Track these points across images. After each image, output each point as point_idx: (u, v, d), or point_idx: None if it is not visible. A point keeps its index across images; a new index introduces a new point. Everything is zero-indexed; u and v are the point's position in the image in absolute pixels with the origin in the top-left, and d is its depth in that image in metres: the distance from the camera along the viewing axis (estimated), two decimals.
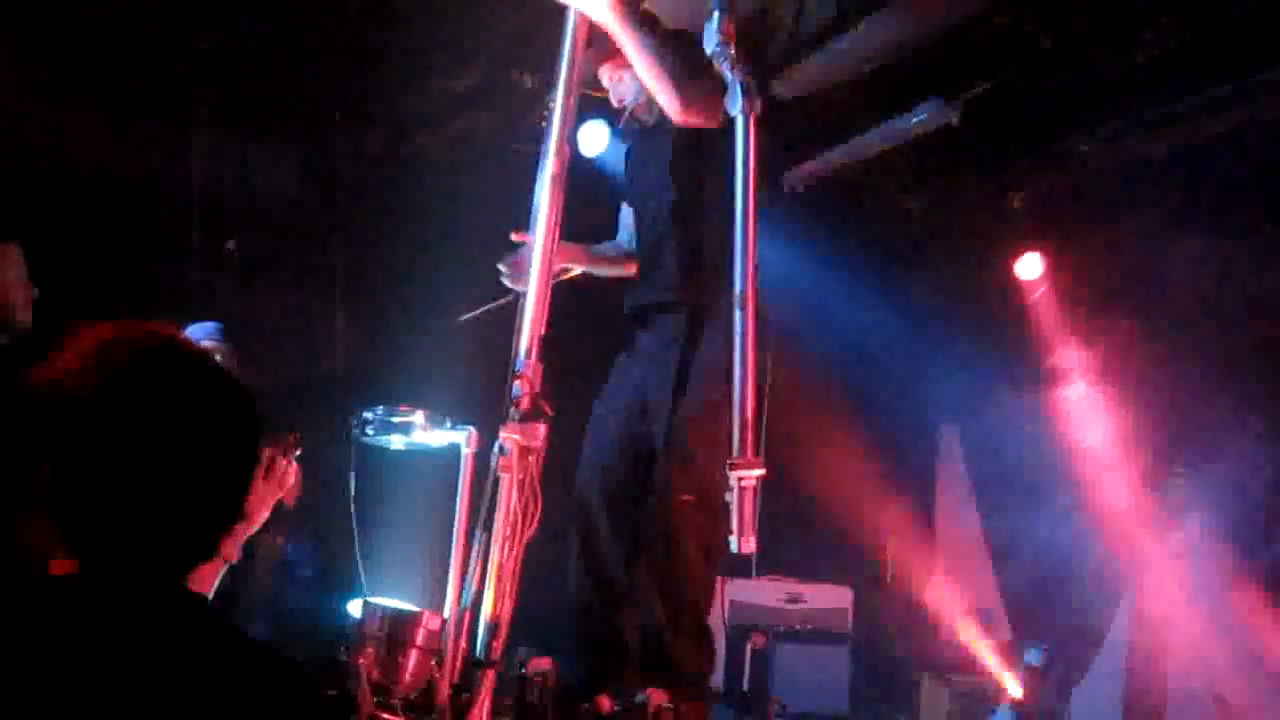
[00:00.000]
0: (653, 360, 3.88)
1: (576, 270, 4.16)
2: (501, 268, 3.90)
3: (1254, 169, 5.60)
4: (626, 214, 4.22)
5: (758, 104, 3.21)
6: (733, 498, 3.08)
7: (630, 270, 4.16)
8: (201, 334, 4.65)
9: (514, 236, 3.86)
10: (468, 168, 6.42)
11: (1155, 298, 6.35)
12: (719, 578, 3.99)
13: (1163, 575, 6.40)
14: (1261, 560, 5.89)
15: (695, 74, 3.60)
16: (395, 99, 6.12)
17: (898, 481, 7.57)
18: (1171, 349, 6.34)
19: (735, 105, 3.22)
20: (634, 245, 4.15)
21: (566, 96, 3.64)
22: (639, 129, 4.12)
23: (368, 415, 4.49)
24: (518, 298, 3.73)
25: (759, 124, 3.26)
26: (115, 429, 1.42)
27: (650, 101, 3.85)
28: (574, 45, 3.65)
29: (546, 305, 3.61)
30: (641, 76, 3.65)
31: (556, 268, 3.77)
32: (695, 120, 3.63)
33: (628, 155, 4.25)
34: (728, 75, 3.29)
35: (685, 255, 3.83)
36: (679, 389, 3.68)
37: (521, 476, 3.43)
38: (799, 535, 7.07)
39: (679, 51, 3.64)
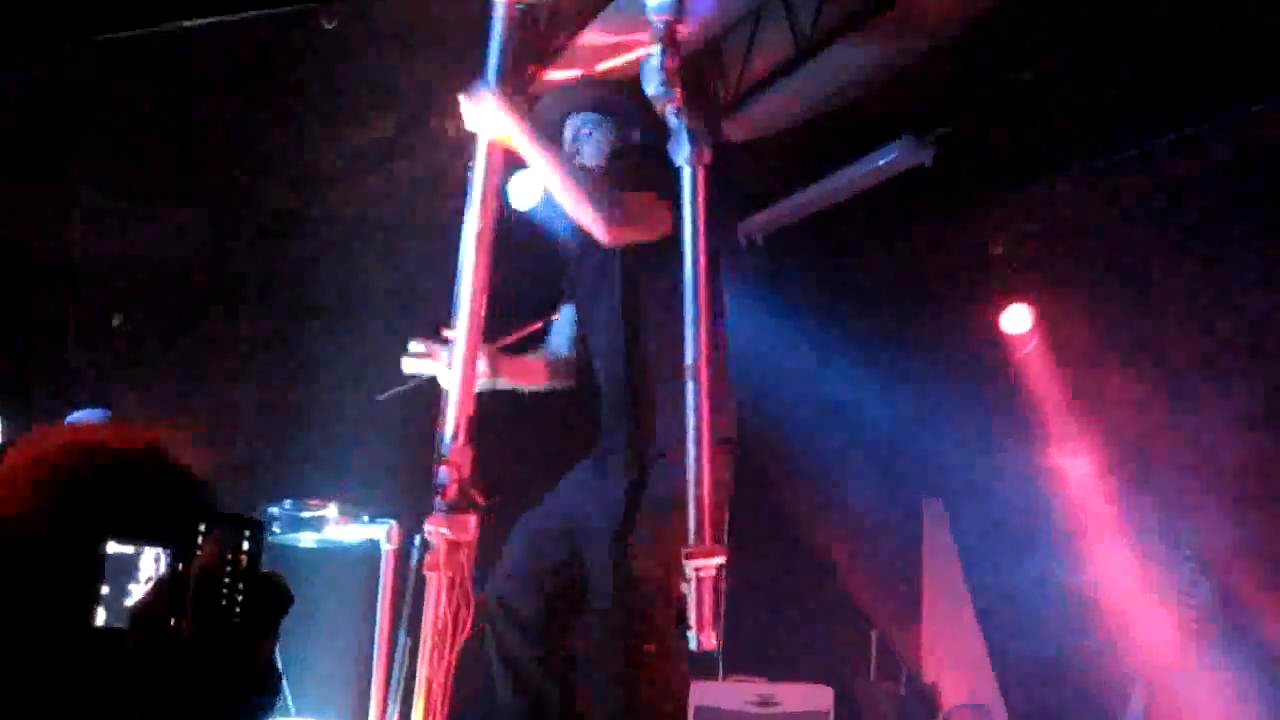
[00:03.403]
0: (595, 494, 3.83)
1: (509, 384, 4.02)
2: (412, 350, 3.76)
3: (1247, 202, 5.66)
4: (567, 314, 4.11)
5: (706, 152, 3.20)
6: (690, 589, 3.05)
7: (559, 383, 4.07)
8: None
9: (446, 333, 3.76)
10: (386, 226, 6.38)
11: (1152, 347, 6.38)
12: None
13: (1178, 660, 6.39)
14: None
15: (625, 190, 3.66)
16: (302, 152, 6.07)
17: (880, 563, 7.53)
18: (1172, 404, 6.36)
19: (681, 154, 3.21)
20: (567, 350, 4.07)
21: (491, 145, 3.61)
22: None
23: (274, 511, 4.47)
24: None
25: (708, 173, 3.25)
26: None
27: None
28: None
29: (474, 380, 3.56)
30: (560, 201, 3.65)
31: (499, 384, 3.80)
32: (628, 239, 3.63)
33: (571, 244, 4.18)
34: (672, 120, 3.29)
35: (636, 396, 3.78)
36: (623, 536, 3.61)
37: (451, 575, 3.37)
38: (770, 628, 7.00)
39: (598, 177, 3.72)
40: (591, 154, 3.91)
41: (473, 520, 3.40)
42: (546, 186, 3.68)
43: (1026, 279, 6.78)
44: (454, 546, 3.38)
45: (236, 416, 6.43)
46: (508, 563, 3.85)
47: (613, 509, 3.71)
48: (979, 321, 6.99)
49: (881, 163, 5.76)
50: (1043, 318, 6.86)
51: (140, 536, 1.47)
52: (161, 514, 1.49)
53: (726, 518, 3.60)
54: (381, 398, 4.60)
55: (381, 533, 4.39)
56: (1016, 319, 6.89)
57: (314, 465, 5.75)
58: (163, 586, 1.44)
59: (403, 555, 4.19)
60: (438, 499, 3.40)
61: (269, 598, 1.45)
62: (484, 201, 3.58)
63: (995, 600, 7.26)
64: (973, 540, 7.52)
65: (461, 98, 3.59)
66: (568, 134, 3.96)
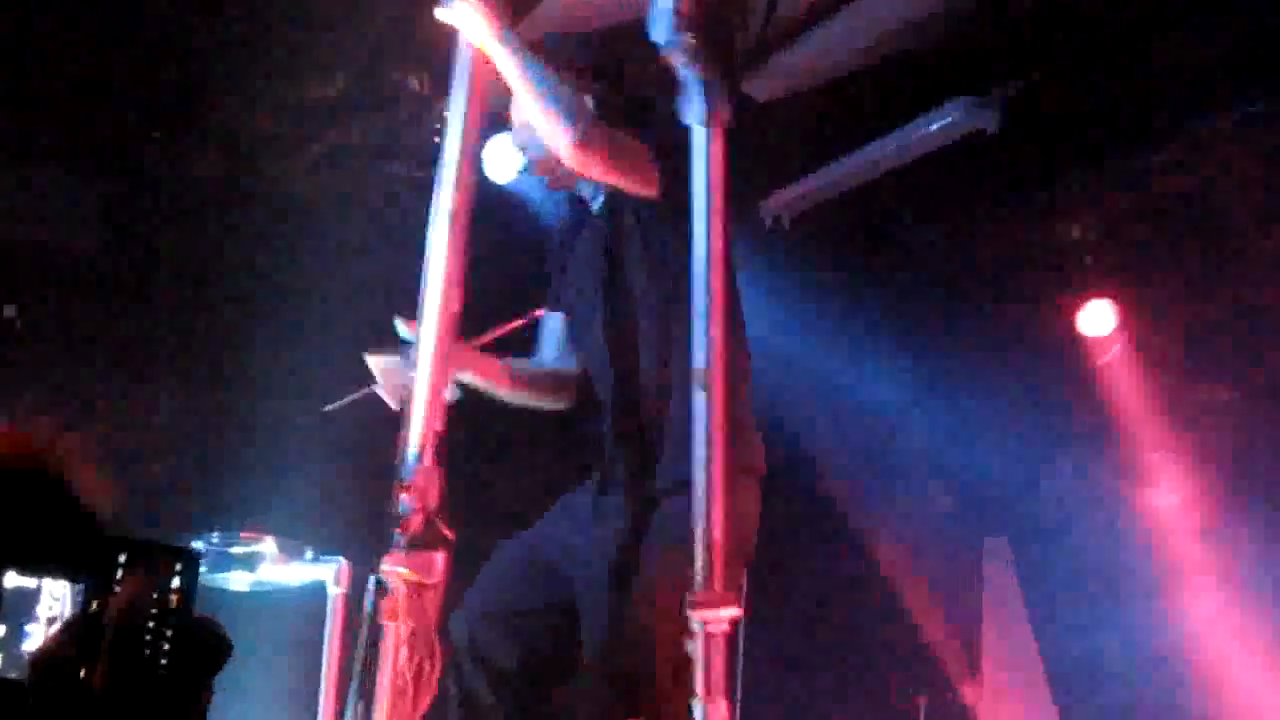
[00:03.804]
0: (592, 529, 3.83)
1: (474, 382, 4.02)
2: (375, 367, 3.76)
3: None
4: (553, 321, 4.13)
5: (724, 111, 3.19)
6: (697, 648, 3.04)
7: (559, 401, 4.10)
8: None
9: (402, 327, 3.74)
10: (336, 202, 6.38)
11: (1260, 350, 6.39)
12: None
13: None
14: None
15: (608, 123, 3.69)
16: (236, 112, 6.06)
17: (930, 613, 7.54)
18: None
19: (694, 112, 3.20)
20: (564, 362, 4.09)
21: (469, 102, 3.60)
22: (574, 205, 4.08)
23: (200, 545, 4.45)
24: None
25: (726, 138, 3.24)
26: None
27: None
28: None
29: (444, 389, 3.55)
30: (526, 107, 3.68)
31: (461, 377, 3.76)
32: (595, 165, 3.65)
33: (558, 239, 4.19)
34: (684, 72, 3.28)
35: (642, 418, 3.79)
36: (623, 581, 3.63)
37: (413, 625, 3.36)
38: (794, 693, 7.00)
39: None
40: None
41: (440, 558, 3.38)
42: (514, 89, 3.67)
43: (1110, 270, 6.78)
44: (417, 590, 3.36)
45: (153, 430, 6.42)
46: (481, 595, 3.85)
47: (611, 548, 3.71)
48: (1052, 321, 6.99)
49: (935, 128, 5.78)
50: (1129, 317, 6.86)
51: (45, 567, 1.45)
52: (71, 540, 1.46)
53: (745, 564, 3.60)
54: (329, 409, 4.59)
55: (328, 573, 4.39)
56: (1097, 318, 6.89)
57: (247, 490, 5.74)
58: (72, 629, 1.42)
59: (354, 599, 4.17)
60: (397, 532, 3.38)
61: (203, 646, 1.43)
62: (459, 173, 3.56)
63: (1069, 657, 7.30)
64: (1042, 586, 7.53)
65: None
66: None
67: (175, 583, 1.46)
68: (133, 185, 6.40)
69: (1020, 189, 6.50)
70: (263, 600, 4.70)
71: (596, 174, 3.69)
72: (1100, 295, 6.86)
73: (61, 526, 1.49)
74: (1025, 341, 7.14)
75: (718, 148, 3.22)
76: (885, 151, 6.03)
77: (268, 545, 4.46)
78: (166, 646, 1.43)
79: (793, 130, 5.98)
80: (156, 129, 6.16)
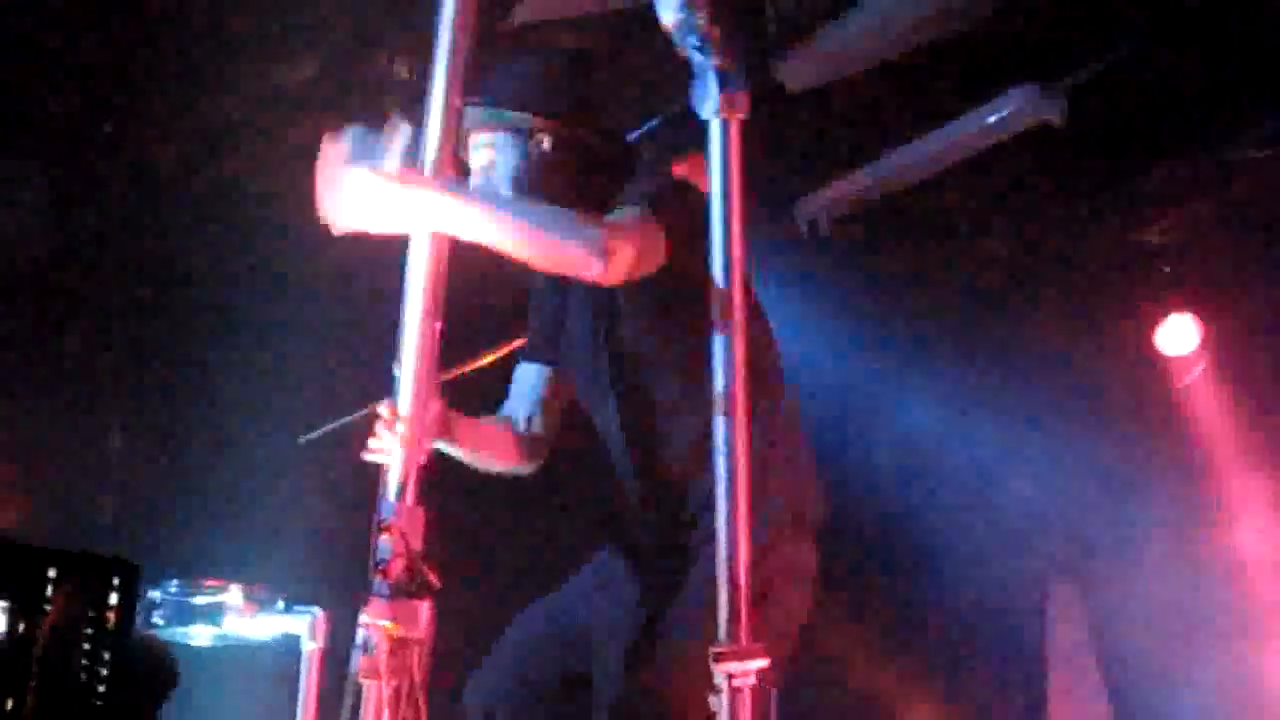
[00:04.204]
0: (608, 594, 3.88)
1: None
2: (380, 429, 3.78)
3: None
4: (527, 373, 4.15)
5: (741, 100, 3.20)
6: (721, 705, 3.05)
7: (531, 465, 4.12)
8: None
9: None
10: (308, 201, 6.38)
11: None
12: None
13: None
14: None
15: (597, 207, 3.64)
16: (195, 100, 6.08)
17: (988, 663, 7.54)
18: None
19: (708, 103, 3.21)
20: (529, 423, 4.11)
21: (450, 90, 3.63)
22: None
23: (155, 595, 4.45)
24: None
25: (743, 132, 3.26)
26: None
27: None
28: (461, 7, 3.64)
29: (424, 420, 3.56)
30: (525, 259, 3.58)
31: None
32: (628, 274, 3.60)
33: (542, 290, 4.17)
34: (696, 58, 3.29)
35: (663, 479, 3.83)
36: (638, 642, 3.67)
37: (397, 684, 3.37)
38: None
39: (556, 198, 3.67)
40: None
41: (425, 608, 3.39)
42: (499, 248, 3.53)
43: (1192, 280, 6.79)
44: (399, 645, 3.36)
45: (100, 463, 6.42)
46: (499, 671, 3.88)
47: (629, 607, 3.76)
48: (1126, 338, 7.00)
49: (993, 119, 5.80)
50: (1214, 333, 6.87)
51: None
52: None
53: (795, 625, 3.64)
54: (305, 440, 4.61)
55: (303, 626, 4.38)
56: (1178, 335, 6.90)
57: (210, 532, 5.74)
58: None
59: (333, 655, 4.19)
60: (378, 579, 3.40)
61: (145, 670, 1.45)
62: (436, 168, 3.58)
63: (1145, 713, 7.28)
64: (1116, 637, 7.53)
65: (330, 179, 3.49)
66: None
67: (113, 598, 1.47)
68: (79, 179, 6.41)
69: (1090, 188, 6.52)
70: (228, 657, 4.70)
71: (633, 276, 3.62)
72: (1181, 309, 6.88)
73: None
74: (1096, 361, 7.14)
75: (736, 143, 3.22)
76: (938, 146, 6.05)
77: (233, 595, 4.43)
78: (104, 671, 1.44)
79: (832, 122, 5.99)
80: (107, 116, 6.17)
